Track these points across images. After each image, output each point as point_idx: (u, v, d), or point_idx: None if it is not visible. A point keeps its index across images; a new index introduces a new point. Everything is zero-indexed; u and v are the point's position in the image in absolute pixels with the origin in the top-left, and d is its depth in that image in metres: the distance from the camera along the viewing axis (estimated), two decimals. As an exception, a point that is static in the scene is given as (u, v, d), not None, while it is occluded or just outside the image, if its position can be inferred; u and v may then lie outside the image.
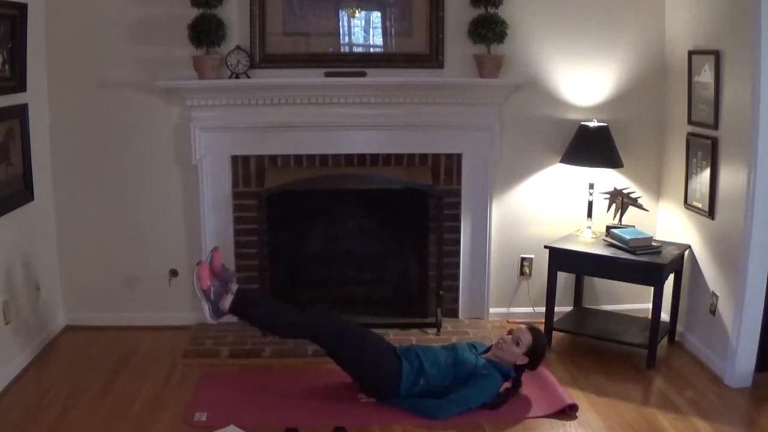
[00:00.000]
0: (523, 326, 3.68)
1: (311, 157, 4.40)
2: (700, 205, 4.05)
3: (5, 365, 3.73)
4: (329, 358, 3.66)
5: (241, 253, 4.43)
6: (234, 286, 3.70)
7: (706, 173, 3.94)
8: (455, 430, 3.35)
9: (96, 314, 4.47)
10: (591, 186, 4.34)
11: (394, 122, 4.34)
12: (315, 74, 4.24)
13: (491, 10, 4.17)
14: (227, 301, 3.59)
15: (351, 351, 3.57)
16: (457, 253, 4.54)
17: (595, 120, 4.32)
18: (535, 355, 3.61)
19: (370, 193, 4.53)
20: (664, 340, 4.22)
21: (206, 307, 3.57)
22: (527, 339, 3.59)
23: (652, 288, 3.96)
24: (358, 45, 4.40)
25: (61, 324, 4.46)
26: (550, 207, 4.55)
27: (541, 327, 4.05)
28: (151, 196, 4.40)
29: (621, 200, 4.30)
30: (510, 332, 3.66)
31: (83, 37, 4.19)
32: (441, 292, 4.45)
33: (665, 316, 4.23)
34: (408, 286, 4.76)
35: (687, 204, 4.19)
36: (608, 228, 4.25)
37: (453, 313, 4.60)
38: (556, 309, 4.28)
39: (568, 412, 3.50)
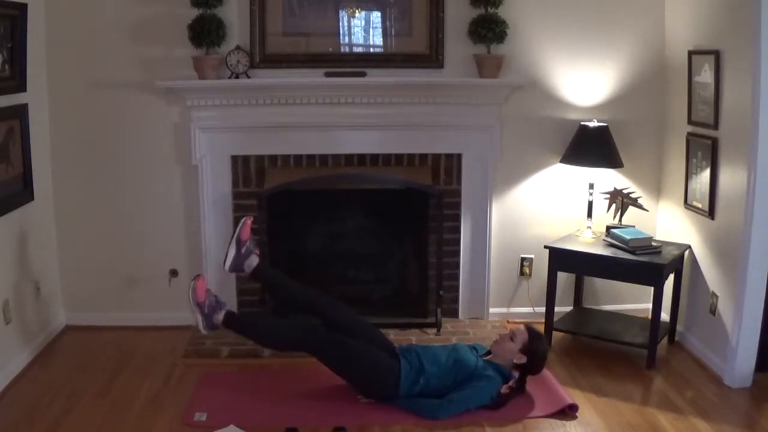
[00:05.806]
0: (521, 326, 3.69)
1: (311, 157, 4.40)
2: (700, 205, 4.05)
3: (5, 365, 3.73)
4: None
5: (241, 253, 4.42)
6: (225, 307, 3.69)
7: (706, 173, 3.94)
8: (455, 430, 3.35)
9: (96, 314, 4.47)
10: (591, 186, 4.34)
11: (394, 122, 4.34)
12: (315, 74, 4.24)
13: (491, 10, 4.17)
14: (220, 316, 3.62)
15: (343, 365, 3.58)
16: (457, 253, 4.54)
17: (595, 120, 4.32)
18: (535, 357, 3.60)
19: (370, 193, 4.52)
20: (664, 340, 4.22)
21: (200, 320, 3.60)
22: (522, 335, 3.59)
23: (652, 288, 3.96)
24: (358, 45, 4.40)
25: (61, 324, 4.46)
26: (550, 207, 4.55)
27: (541, 327, 4.07)
28: (151, 196, 4.40)
29: (621, 200, 4.30)
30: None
31: (83, 37, 4.19)
32: (441, 292, 4.46)
33: (665, 316, 4.23)
34: (408, 286, 4.76)
35: (687, 204, 4.19)
36: (608, 228, 4.25)
37: (453, 313, 4.60)
38: (556, 309, 4.28)
39: (568, 412, 3.50)
